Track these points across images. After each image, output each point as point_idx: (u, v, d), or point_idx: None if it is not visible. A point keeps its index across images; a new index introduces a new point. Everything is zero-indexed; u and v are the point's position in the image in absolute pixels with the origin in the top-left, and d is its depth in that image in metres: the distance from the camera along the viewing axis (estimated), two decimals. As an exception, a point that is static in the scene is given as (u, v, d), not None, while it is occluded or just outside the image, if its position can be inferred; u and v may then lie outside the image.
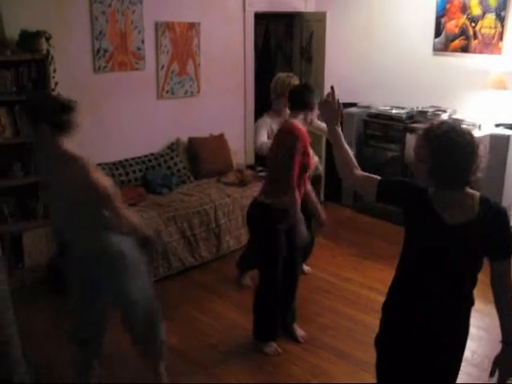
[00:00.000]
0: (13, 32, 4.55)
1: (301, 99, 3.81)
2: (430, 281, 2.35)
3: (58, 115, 2.89)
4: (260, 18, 7.06)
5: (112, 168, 5.40)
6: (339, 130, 2.62)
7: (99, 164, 5.27)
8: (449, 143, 2.20)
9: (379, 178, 2.51)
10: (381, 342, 2.57)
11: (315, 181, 4.76)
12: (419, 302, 2.39)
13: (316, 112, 3.79)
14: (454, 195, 2.29)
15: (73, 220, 3.02)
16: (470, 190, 2.33)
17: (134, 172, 5.55)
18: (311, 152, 3.95)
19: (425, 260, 2.36)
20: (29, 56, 4.57)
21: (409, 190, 2.44)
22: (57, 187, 3.02)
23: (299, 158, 3.65)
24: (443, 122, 2.28)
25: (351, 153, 2.61)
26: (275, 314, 3.98)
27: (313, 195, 4.08)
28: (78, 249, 3.09)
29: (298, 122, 3.76)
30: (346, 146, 2.60)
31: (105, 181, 2.92)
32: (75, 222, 3.02)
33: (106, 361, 3.75)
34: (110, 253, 3.04)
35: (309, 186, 4.01)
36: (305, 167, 3.74)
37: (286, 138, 3.72)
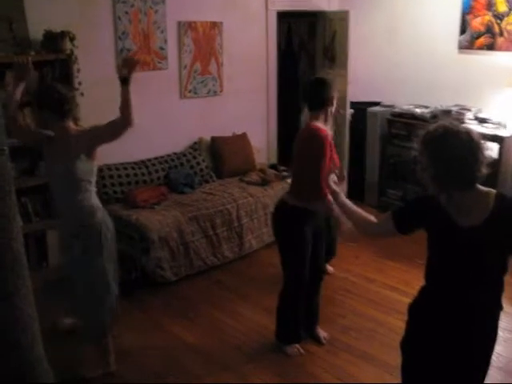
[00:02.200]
0: (37, 32, 4.59)
1: (320, 96, 3.68)
2: (457, 286, 2.31)
3: (59, 105, 3.36)
4: (283, 16, 7.04)
5: (135, 167, 5.43)
6: (344, 199, 2.83)
7: (122, 163, 5.32)
8: (444, 146, 2.19)
9: (390, 212, 2.50)
10: (408, 345, 2.53)
11: None
12: (449, 307, 2.35)
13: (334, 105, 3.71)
14: (465, 196, 2.26)
15: (67, 194, 3.48)
16: (484, 189, 2.29)
17: (157, 171, 5.57)
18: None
19: (449, 267, 2.32)
20: (53, 56, 4.61)
21: (421, 204, 2.43)
22: (59, 166, 3.43)
23: (327, 160, 3.61)
24: (439, 126, 2.26)
25: (361, 211, 2.71)
26: (299, 316, 3.96)
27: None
28: (68, 220, 3.54)
29: (320, 123, 3.68)
30: (356, 209, 2.73)
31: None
32: (69, 196, 3.46)
33: (118, 360, 3.80)
34: (92, 227, 3.48)
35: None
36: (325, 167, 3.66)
37: (313, 141, 3.62)
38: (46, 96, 3.42)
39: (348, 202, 2.81)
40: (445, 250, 2.33)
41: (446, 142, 2.20)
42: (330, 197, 3.51)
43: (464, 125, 2.31)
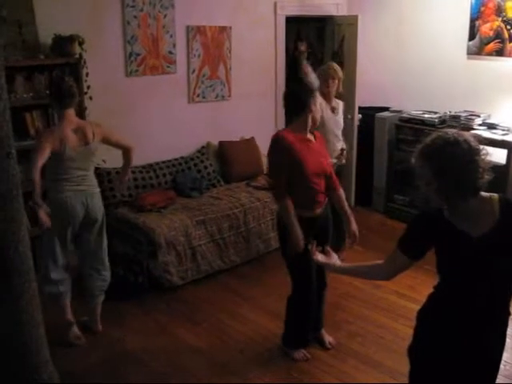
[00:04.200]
0: (46, 36, 4.63)
1: (299, 102, 3.63)
2: (469, 293, 2.28)
3: (58, 95, 3.83)
4: (291, 21, 7.05)
5: (142, 171, 5.44)
6: (339, 266, 2.78)
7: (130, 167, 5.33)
8: (446, 158, 2.15)
9: (396, 246, 2.43)
10: (417, 352, 2.49)
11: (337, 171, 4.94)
12: (460, 314, 2.32)
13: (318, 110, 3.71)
14: (470, 205, 2.21)
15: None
16: (487, 194, 2.25)
17: (165, 175, 5.58)
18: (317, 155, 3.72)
19: (460, 276, 2.28)
20: (62, 60, 4.64)
21: (423, 224, 2.36)
22: None
23: (286, 167, 3.58)
24: (436, 138, 2.21)
25: (364, 264, 2.70)
26: (308, 321, 3.95)
27: (343, 201, 3.90)
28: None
29: (294, 129, 3.68)
30: (354, 266, 2.74)
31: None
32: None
33: (123, 361, 3.82)
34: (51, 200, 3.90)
35: (340, 192, 3.90)
36: (302, 174, 3.61)
37: (271, 148, 3.68)
38: (51, 86, 4.10)
39: (344, 266, 2.78)
40: (456, 261, 2.28)
41: (446, 154, 2.15)
42: (286, 204, 3.61)
43: (456, 131, 2.25)
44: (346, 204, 3.91)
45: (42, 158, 3.67)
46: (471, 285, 2.27)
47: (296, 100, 3.65)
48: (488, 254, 2.21)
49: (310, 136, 3.73)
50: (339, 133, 5.26)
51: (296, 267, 3.79)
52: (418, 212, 2.42)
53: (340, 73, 5.19)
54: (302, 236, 3.59)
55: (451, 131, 2.24)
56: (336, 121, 5.21)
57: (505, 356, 3.75)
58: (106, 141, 4.10)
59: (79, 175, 3.93)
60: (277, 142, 3.63)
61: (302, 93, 3.64)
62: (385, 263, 2.50)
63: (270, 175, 3.82)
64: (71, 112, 3.88)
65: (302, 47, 5.43)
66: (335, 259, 2.79)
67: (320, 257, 2.81)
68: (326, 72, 5.11)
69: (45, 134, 3.91)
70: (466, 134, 2.23)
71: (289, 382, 3.70)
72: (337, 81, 5.13)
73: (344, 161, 5.28)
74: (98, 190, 4.11)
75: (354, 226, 3.86)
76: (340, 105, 5.28)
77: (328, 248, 2.86)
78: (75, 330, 4.14)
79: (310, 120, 3.65)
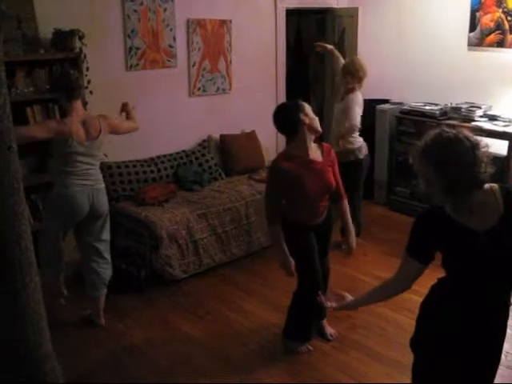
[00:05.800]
0: (46, 31, 4.61)
1: (289, 121, 3.54)
2: (475, 287, 2.28)
3: (65, 88, 3.91)
4: (292, 14, 7.03)
5: (144, 165, 5.44)
6: (352, 302, 2.70)
7: (131, 161, 5.34)
8: (449, 156, 2.11)
9: (405, 254, 2.37)
10: (420, 343, 2.48)
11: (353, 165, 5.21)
12: (466, 305, 2.31)
13: (314, 119, 3.57)
14: (474, 199, 2.18)
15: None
16: (487, 185, 2.22)
17: (166, 169, 5.58)
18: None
19: (467, 272, 2.27)
20: (62, 55, 4.62)
21: (427, 225, 2.31)
22: None
23: (281, 194, 3.66)
24: (436, 137, 2.17)
25: (377, 287, 2.63)
26: (312, 316, 3.95)
27: (346, 213, 3.86)
28: None
29: (293, 151, 3.60)
30: (372, 293, 2.65)
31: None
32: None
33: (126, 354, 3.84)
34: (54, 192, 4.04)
35: (343, 203, 3.84)
36: (303, 197, 3.61)
37: (268, 174, 3.79)
38: (56, 80, 4.12)
39: (359, 299, 2.72)
40: (461, 256, 2.26)
41: (448, 153, 2.11)
42: (274, 229, 3.73)
43: (456, 123, 2.22)
44: (348, 215, 3.88)
45: (35, 134, 3.77)
46: (477, 278, 2.25)
47: (285, 120, 3.57)
48: (493, 247, 2.19)
49: (313, 153, 3.62)
50: (343, 117, 5.25)
51: (300, 263, 3.78)
52: (419, 213, 2.38)
53: (362, 71, 5.16)
54: (291, 262, 3.72)
55: (448, 128, 2.20)
56: (340, 106, 5.29)
57: (506, 347, 3.77)
58: (115, 132, 4.20)
59: (85, 169, 3.95)
60: (272, 169, 3.67)
61: (288, 111, 3.58)
62: (397, 275, 2.43)
63: (265, 199, 3.83)
64: (79, 103, 3.97)
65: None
66: (349, 298, 2.72)
67: (333, 303, 2.75)
68: (347, 67, 5.23)
69: (53, 122, 4.00)
70: (465, 130, 2.20)
71: (291, 382, 3.69)
72: (356, 79, 5.17)
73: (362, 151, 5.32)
74: (103, 185, 4.14)
75: (352, 240, 3.88)
76: (352, 95, 5.22)
77: (335, 291, 2.82)
78: (62, 301, 4.29)
79: (306, 133, 3.54)
